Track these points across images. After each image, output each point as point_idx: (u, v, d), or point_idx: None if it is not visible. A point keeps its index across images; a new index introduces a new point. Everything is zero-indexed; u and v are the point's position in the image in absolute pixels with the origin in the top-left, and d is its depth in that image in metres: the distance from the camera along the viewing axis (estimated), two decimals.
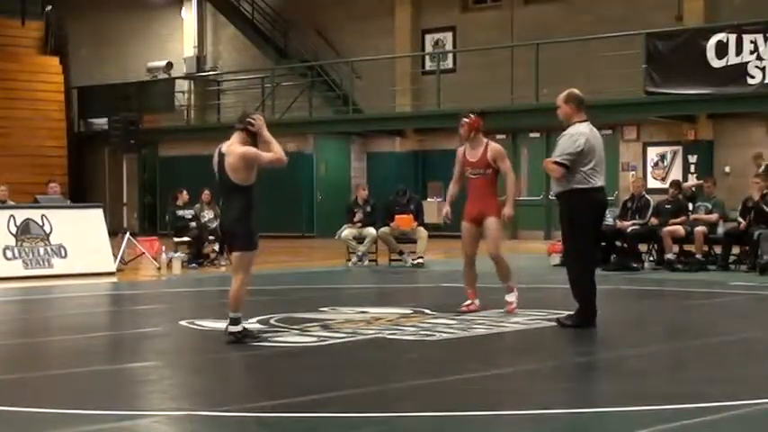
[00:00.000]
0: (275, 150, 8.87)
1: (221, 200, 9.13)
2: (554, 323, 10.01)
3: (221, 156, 8.94)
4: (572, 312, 9.72)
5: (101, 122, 29.68)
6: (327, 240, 22.32)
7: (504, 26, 26.61)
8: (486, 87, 25.41)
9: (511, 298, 10.69)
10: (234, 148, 8.84)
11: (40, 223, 16.53)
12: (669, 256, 16.48)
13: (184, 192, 18.89)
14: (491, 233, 10.53)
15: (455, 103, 25.70)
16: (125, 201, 20.62)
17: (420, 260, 17.59)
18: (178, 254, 17.92)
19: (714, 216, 16.57)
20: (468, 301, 10.72)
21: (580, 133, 9.58)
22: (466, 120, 10.75)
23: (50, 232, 16.55)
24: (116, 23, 33.46)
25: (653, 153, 24.49)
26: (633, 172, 23.98)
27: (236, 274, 8.95)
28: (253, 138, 8.89)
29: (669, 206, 17.04)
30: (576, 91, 10.09)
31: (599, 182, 9.58)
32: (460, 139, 10.89)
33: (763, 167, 18.40)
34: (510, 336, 9.51)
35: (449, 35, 28.05)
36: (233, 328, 8.82)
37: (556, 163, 9.54)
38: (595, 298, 9.72)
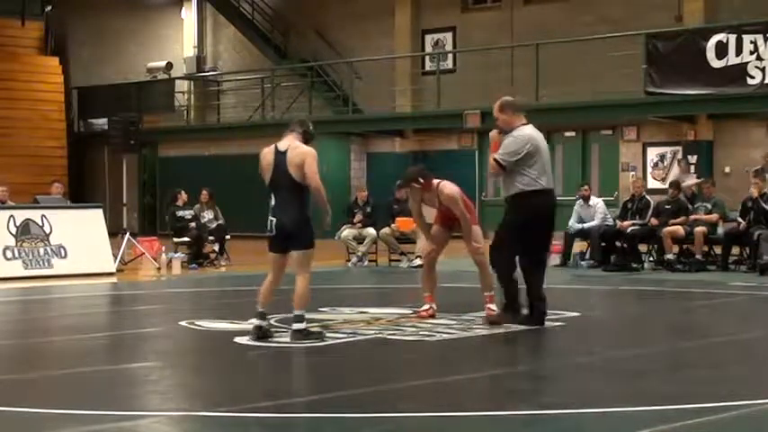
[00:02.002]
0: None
1: (275, 200, 9.13)
2: (554, 324, 10.01)
3: (280, 154, 9.00)
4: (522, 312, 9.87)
5: (101, 123, 29.66)
6: (327, 241, 22.26)
7: (503, 26, 26.60)
8: (485, 88, 25.37)
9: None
10: (301, 147, 8.99)
11: (40, 224, 16.53)
12: (669, 256, 16.49)
13: (183, 192, 18.87)
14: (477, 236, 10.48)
15: (455, 104, 25.75)
16: (125, 201, 20.61)
17: (418, 260, 17.57)
18: (178, 254, 17.92)
19: (714, 216, 16.57)
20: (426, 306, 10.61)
21: (525, 135, 9.67)
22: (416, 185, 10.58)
23: (50, 232, 16.54)
24: (116, 24, 33.46)
25: (653, 153, 24.49)
26: (633, 172, 23.98)
27: (301, 272, 9.03)
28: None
29: (669, 206, 17.04)
30: (508, 98, 10.24)
31: (545, 184, 9.66)
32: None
33: (754, 169, 18.36)
34: (510, 336, 9.50)
35: (449, 35, 28.04)
36: (298, 326, 8.88)
37: (495, 161, 9.68)
38: (518, 295, 9.80)
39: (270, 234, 9.08)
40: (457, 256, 12.98)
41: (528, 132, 9.69)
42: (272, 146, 9.13)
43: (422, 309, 10.52)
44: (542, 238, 9.92)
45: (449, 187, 10.45)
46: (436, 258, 10.72)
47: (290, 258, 9.11)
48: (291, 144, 9.05)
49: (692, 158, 23.35)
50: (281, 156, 8.99)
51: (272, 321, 10.16)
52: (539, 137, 9.76)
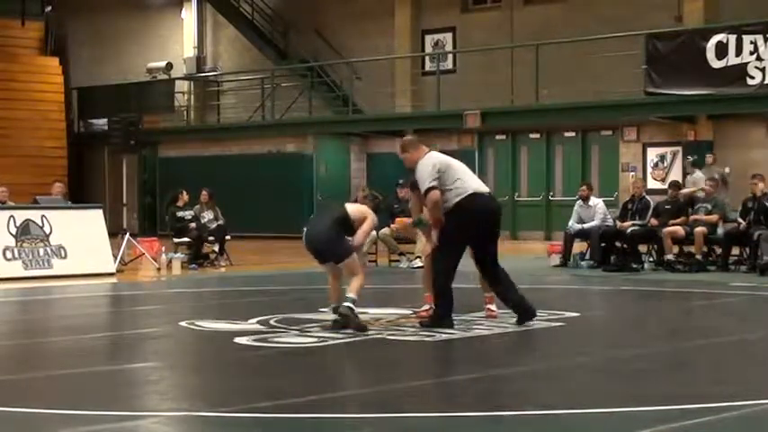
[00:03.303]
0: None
1: (317, 213, 9.97)
2: (554, 324, 10.01)
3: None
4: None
5: (101, 123, 29.65)
6: None
7: (503, 27, 26.61)
8: (485, 88, 25.42)
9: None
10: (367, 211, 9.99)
11: (40, 224, 16.53)
12: (669, 256, 16.49)
13: (184, 192, 18.87)
14: None
15: (455, 104, 25.75)
16: (125, 201, 20.61)
17: (418, 260, 17.56)
18: (178, 254, 17.92)
19: (714, 217, 16.57)
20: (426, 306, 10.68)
21: (430, 158, 9.80)
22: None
23: (50, 233, 16.54)
24: (116, 24, 33.47)
25: (653, 154, 24.49)
26: (633, 173, 23.98)
27: (352, 277, 9.66)
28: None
29: (669, 207, 17.04)
30: (406, 137, 10.64)
31: (475, 187, 9.77)
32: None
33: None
34: (510, 336, 9.51)
35: (449, 36, 28.04)
36: (349, 305, 9.40)
37: (426, 191, 9.64)
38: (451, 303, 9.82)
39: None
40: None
41: (430, 157, 9.86)
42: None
43: (422, 309, 10.53)
44: (486, 238, 9.98)
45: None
46: None
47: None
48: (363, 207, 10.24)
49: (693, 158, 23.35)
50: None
51: (272, 321, 10.18)
52: (443, 156, 10.03)
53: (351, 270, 9.71)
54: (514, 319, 10.19)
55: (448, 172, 9.71)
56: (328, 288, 10.07)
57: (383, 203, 10.43)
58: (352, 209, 10.00)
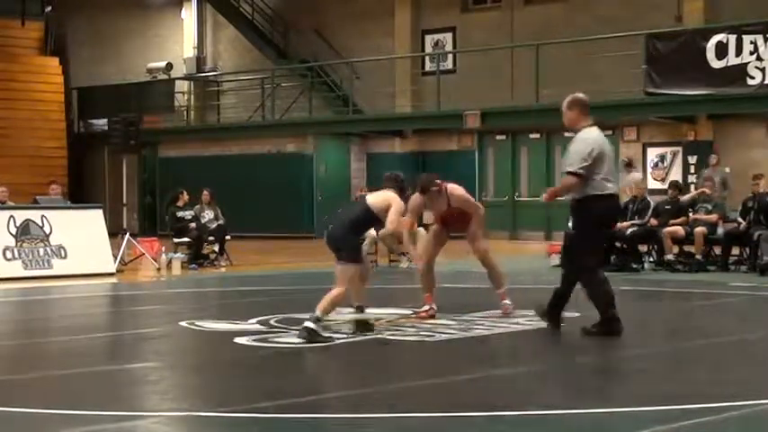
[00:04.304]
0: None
1: (341, 210, 9.78)
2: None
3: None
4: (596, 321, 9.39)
5: (101, 123, 29.66)
6: None
7: (504, 27, 26.61)
8: (486, 88, 25.42)
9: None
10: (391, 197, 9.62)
11: (40, 224, 16.53)
12: (669, 256, 16.48)
13: (185, 193, 18.87)
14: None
15: (455, 104, 25.75)
16: (125, 201, 20.62)
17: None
18: (178, 254, 17.92)
19: (713, 217, 16.57)
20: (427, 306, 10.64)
21: (592, 139, 9.25)
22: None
23: (50, 233, 16.54)
24: (116, 24, 33.46)
25: (653, 154, 24.48)
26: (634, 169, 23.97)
27: (338, 284, 9.31)
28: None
29: (669, 207, 17.04)
30: (580, 95, 9.79)
31: (612, 188, 9.35)
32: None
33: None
34: (510, 336, 9.50)
35: (449, 36, 28.04)
36: (309, 324, 8.96)
37: (571, 173, 9.18)
38: (613, 300, 9.34)
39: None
40: (456, 256, 12.98)
41: (593, 136, 9.30)
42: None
43: (422, 309, 10.53)
44: (602, 245, 9.67)
45: (459, 189, 10.70)
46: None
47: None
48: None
49: (692, 159, 23.37)
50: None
51: (272, 321, 10.18)
52: (602, 139, 9.39)
53: (339, 277, 9.35)
54: (515, 319, 10.21)
55: (601, 160, 9.16)
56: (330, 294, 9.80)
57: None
58: (374, 199, 9.64)
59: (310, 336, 8.89)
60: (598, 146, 9.16)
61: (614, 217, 9.82)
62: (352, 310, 10.01)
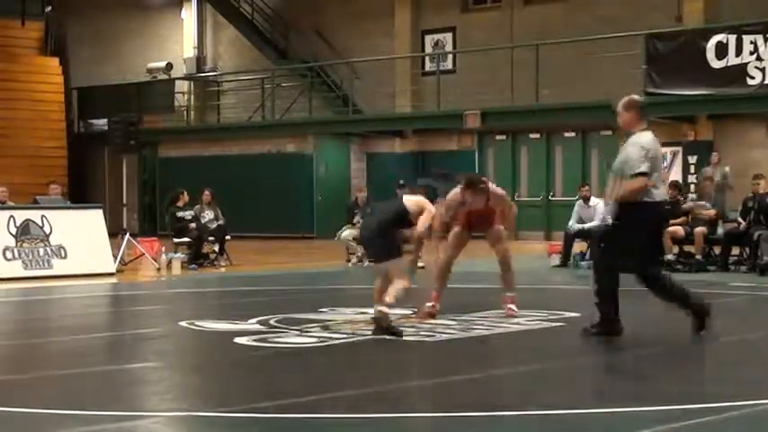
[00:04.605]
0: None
1: (374, 208, 9.97)
2: (557, 324, 10.02)
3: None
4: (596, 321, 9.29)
5: (100, 123, 29.67)
6: (327, 241, 22.33)
7: (503, 27, 26.61)
8: (485, 88, 25.42)
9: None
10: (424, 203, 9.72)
11: (40, 224, 16.53)
12: (669, 256, 16.47)
13: (185, 193, 18.87)
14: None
15: (455, 104, 25.76)
16: (125, 201, 20.61)
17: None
18: (178, 254, 17.92)
19: (712, 212, 16.54)
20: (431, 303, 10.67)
21: (646, 142, 8.98)
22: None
23: (50, 233, 16.54)
24: (116, 24, 33.47)
25: None
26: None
27: (393, 281, 9.34)
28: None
29: (669, 207, 17.02)
30: (636, 97, 9.47)
31: (659, 195, 9.11)
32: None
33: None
34: (510, 336, 9.50)
35: (449, 36, 28.05)
36: (382, 308, 9.12)
37: (638, 174, 8.85)
38: (616, 309, 9.23)
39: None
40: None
41: (647, 140, 9.02)
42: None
43: (426, 305, 10.51)
44: (655, 250, 9.43)
45: (498, 188, 10.89)
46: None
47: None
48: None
49: (692, 159, 23.37)
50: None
51: (272, 321, 10.17)
52: (655, 143, 9.14)
53: (393, 274, 9.45)
54: (515, 319, 10.21)
55: (654, 166, 8.92)
56: (374, 287, 9.71)
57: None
58: (410, 203, 9.73)
59: (377, 322, 9.10)
60: (652, 150, 8.97)
61: (660, 224, 9.61)
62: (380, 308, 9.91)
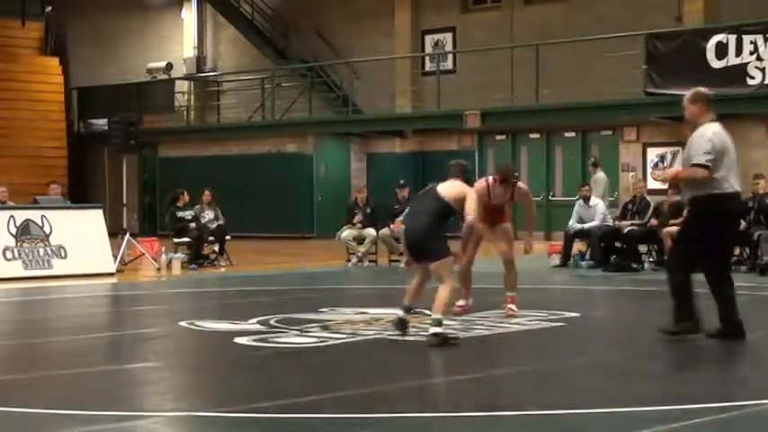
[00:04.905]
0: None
1: (414, 205, 9.54)
2: (554, 324, 10.02)
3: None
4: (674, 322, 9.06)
5: (100, 123, 29.67)
6: (327, 241, 22.32)
7: (503, 27, 26.61)
8: (485, 88, 25.41)
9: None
10: (463, 187, 9.35)
11: (40, 224, 16.53)
12: None
13: (185, 193, 18.87)
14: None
15: (455, 104, 25.76)
16: (125, 201, 20.61)
17: None
18: (178, 254, 17.92)
19: None
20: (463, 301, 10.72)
21: (712, 134, 8.91)
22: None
23: (50, 233, 16.54)
24: (116, 24, 33.47)
25: (653, 154, 24.49)
26: (633, 173, 23.99)
27: (440, 285, 9.02)
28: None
29: (669, 207, 17.02)
30: (702, 90, 9.48)
31: (732, 187, 8.90)
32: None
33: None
34: (510, 336, 9.50)
35: (449, 36, 28.05)
36: (435, 330, 8.75)
37: (696, 165, 8.79)
38: (695, 305, 8.99)
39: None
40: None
41: (715, 131, 8.96)
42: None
43: (458, 302, 10.52)
44: (725, 247, 9.18)
45: (523, 184, 10.98)
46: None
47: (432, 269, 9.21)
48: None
49: None
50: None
51: (272, 321, 10.18)
52: (724, 135, 9.03)
53: (440, 275, 9.02)
54: (515, 319, 10.20)
55: (722, 157, 8.79)
56: (408, 286, 9.45)
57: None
58: (449, 191, 9.22)
59: (440, 340, 8.67)
60: (719, 142, 8.85)
61: (734, 217, 9.35)
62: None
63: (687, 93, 9.31)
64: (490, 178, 10.61)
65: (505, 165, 11.58)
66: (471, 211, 9.10)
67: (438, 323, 8.76)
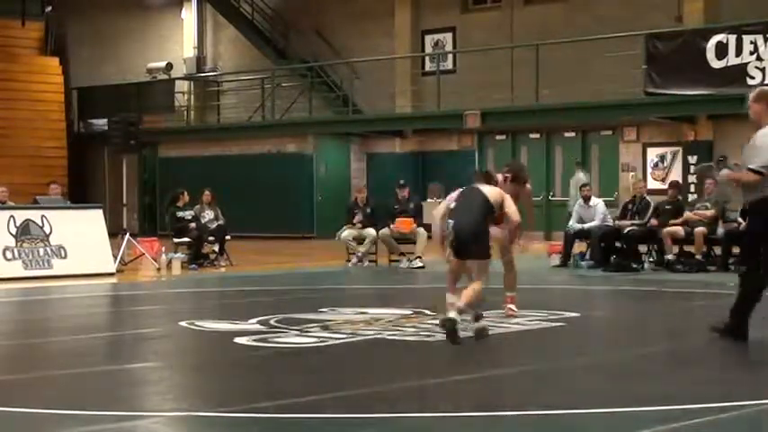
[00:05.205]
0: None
1: (462, 202, 9.54)
2: (554, 324, 10.03)
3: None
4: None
5: (100, 123, 29.66)
6: (327, 241, 22.32)
7: (503, 27, 26.60)
8: (485, 88, 25.41)
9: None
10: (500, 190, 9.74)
11: (40, 224, 16.52)
12: (669, 256, 16.48)
13: (185, 193, 18.87)
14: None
15: (455, 104, 25.75)
16: (125, 201, 20.61)
17: (418, 260, 17.57)
18: (178, 254, 17.91)
19: (710, 212, 16.51)
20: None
21: None
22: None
23: (50, 233, 16.54)
24: (116, 24, 33.47)
25: (653, 154, 24.49)
26: (633, 173, 23.99)
27: (476, 281, 9.23)
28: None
29: (669, 207, 17.03)
30: (767, 88, 9.49)
31: None
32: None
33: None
34: (510, 336, 9.50)
35: (449, 36, 28.05)
36: (452, 315, 8.83)
37: (751, 171, 8.75)
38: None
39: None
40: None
41: None
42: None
43: (509, 306, 10.54)
44: None
45: (529, 185, 11.06)
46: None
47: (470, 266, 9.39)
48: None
49: (692, 159, 23.38)
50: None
51: (272, 321, 10.18)
52: None
53: (479, 272, 9.32)
54: (515, 319, 10.22)
55: None
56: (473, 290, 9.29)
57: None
58: (493, 194, 9.55)
59: (450, 324, 8.76)
60: None
61: None
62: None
63: (751, 92, 9.17)
64: (498, 176, 10.61)
65: (518, 163, 11.59)
66: (514, 212, 9.60)
67: (460, 312, 8.87)
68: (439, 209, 9.79)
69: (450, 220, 9.51)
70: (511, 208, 9.57)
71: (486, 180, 9.82)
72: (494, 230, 10.37)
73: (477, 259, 9.34)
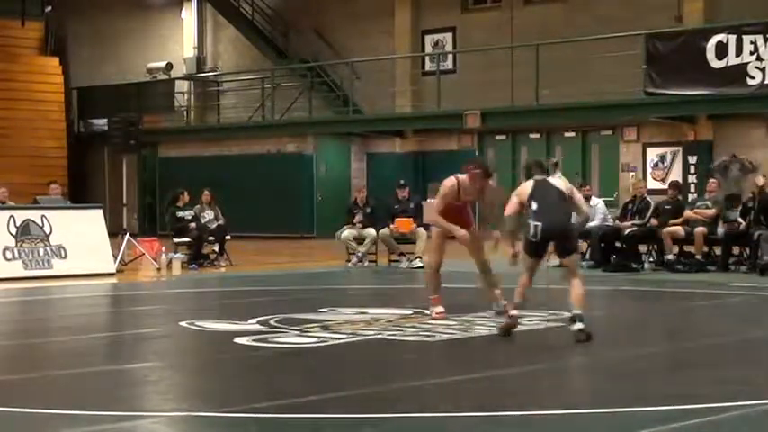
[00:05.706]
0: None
1: (544, 199, 9.32)
2: (554, 324, 10.02)
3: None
4: None
5: (101, 123, 29.65)
6: (327, 241, 22.32)
7: (503, 27, 26.59)
8: (485, 88, 25.41)
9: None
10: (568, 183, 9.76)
11: (40, 224, 16.52)
12: (669, 256, 16.48)
13: (185, 193, 18.87)
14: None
15: (455, 104, 25.75)
16: (125, 201, 20.60)
17: (418, 260, 17.56)
18: (178, 254, 17.91)
19: (711, 211, 16.52)
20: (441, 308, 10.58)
21: None
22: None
23: (50, 233, 16.54)
24: (116, 24, 33.45)
25: (653, 154, 24.49)
26: (633, 173, 23.98)
27: (577, 275, 9.23)
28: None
29: (669, 207, 17.03)
30: None
31: None
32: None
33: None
34: (510, 336, 9.49)
35: (449, 36, 28.04)
36: (580, 325, 8.86)
37: None
38: None
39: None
40: (456, 256, 12.95)
41: None
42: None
43: (437, 309, 10.46)
44: None
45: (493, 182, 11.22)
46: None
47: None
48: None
49: (692, 159, 23.38)
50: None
51: (272, 321, 10.18)
52: None
53: (573, 267, 9.34)
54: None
55: None
56: (521, 285, 9.40)
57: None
58: (563, 185, 9.48)
59: (586, 335, 8.80)
60: None
61: None
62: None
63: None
64: (460, 176, 10.48)
65: (481, 159, 11.57)
66: (584, 208, 9.72)
67: (581, 318, 8.87)
68: (511, 207, 9.42)
69: (535, 222, 9.18)
70: (582, 201, 9.60)
71: (540, 168, 9.60)
72: (460, 232, 10.29)
73: (572, 255, 9.37)
